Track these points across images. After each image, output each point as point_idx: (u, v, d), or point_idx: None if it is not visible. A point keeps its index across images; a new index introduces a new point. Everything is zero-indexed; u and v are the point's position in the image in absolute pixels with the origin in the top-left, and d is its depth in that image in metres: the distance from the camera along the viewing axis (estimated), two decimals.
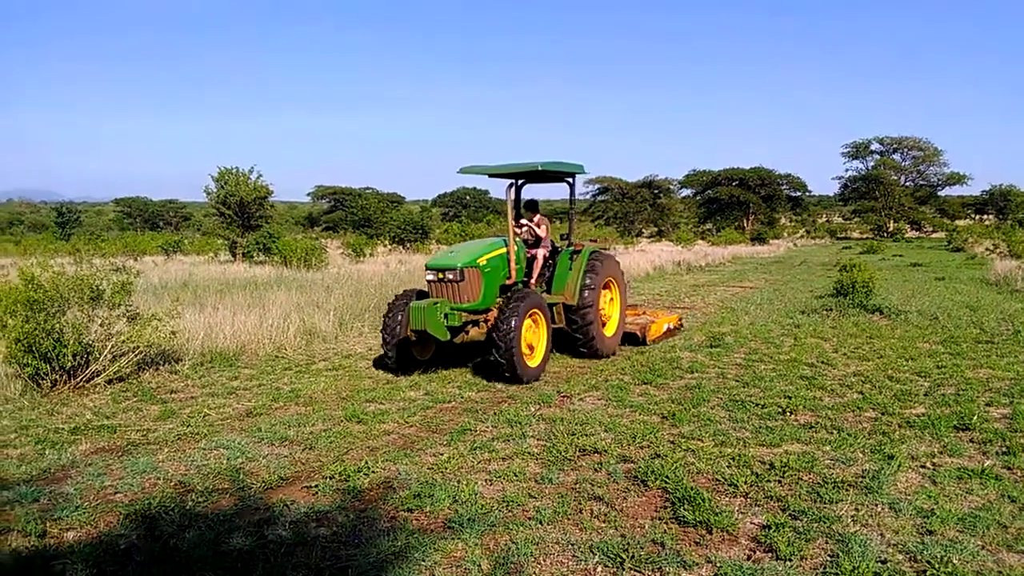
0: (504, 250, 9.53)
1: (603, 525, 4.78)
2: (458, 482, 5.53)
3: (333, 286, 16.94)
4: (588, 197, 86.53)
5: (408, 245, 43.70)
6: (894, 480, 5.43)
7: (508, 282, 9.55)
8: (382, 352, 9.57)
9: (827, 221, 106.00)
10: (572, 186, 10.86)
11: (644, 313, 12.70)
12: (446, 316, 8.78)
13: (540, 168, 9.51)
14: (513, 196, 10.55)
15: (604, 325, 10.69)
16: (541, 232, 10.61)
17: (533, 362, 9.10)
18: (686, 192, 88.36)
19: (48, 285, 8.27)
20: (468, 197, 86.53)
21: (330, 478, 5.66)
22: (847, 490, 5.24)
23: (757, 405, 7.58)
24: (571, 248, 10.62)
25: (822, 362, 9.72)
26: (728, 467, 5.75)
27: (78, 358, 8.37)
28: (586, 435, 6.64)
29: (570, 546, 4.48)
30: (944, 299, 16.85)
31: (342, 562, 4.32)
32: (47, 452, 6.41)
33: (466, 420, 7.30)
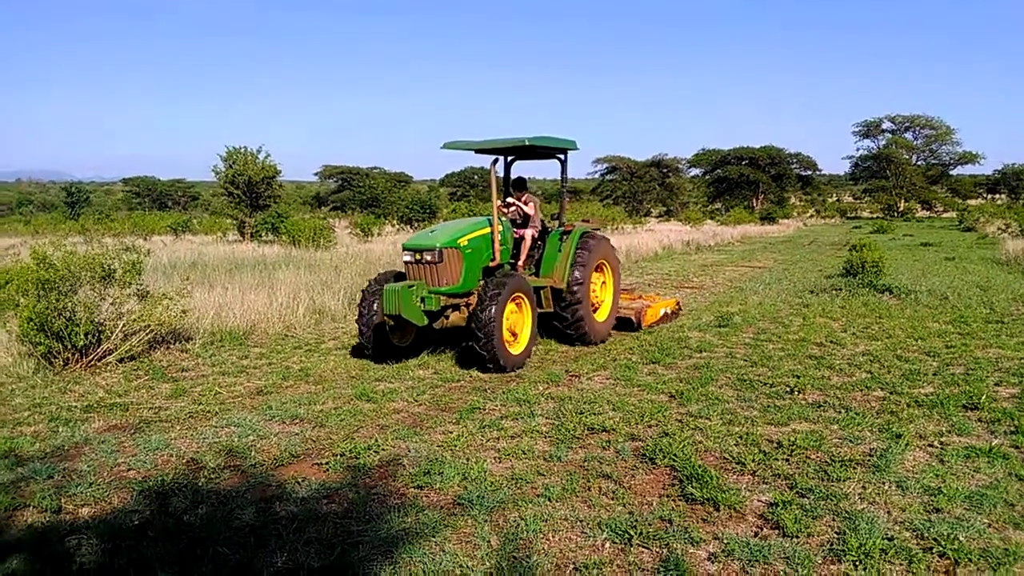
0: (488, 230, 9.07)
1: (611, 502, 4.81)
2: (467, 460, 5.57)
3: (342, 265, 16.97)
4: (596, 176, 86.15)
5: (416, 225, 43.70)
6: (902, 459, 5.44)
7: (492, 264, 9.08)
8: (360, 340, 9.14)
9: (837, 200, 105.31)
10: (564, 163, 10.29)
11: (640, 297, 12.26)
12: (423, 300, 8.33)
13: (527, 143, 8.93)
14: (502, 173, 10.37)
15: (596, 310, 10.25)
16: (529, 211, 10.12)
17: (516, 349, 8.68)
18: (695, 171, 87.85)
19: (60, 264, 8.32)
20: (476, 177, 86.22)
21: (340, 455, 5.71)
22: (855, 468, 5.25)
23: (765, 384, 7.59)
24: (561, 229, 10.13)
25: (831, 342, 9.71)
26: (736, 445, 5.78)
27: (90, 337, 8.44)
28: (594, 414, 6.67)
29: (578, 523, 4.52)
30: (954, 279, 16.77)
31: (353, 537, 4.37)
32: (60, 429, 6.49)
33: (475, 399, 7.34)
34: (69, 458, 5.79)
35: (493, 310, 8.12)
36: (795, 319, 11.56)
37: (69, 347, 8.32)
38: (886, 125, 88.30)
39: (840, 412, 6.61)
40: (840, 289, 14.75)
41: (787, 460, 5.46)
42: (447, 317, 8.76)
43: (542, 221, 10.38)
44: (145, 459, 5.72)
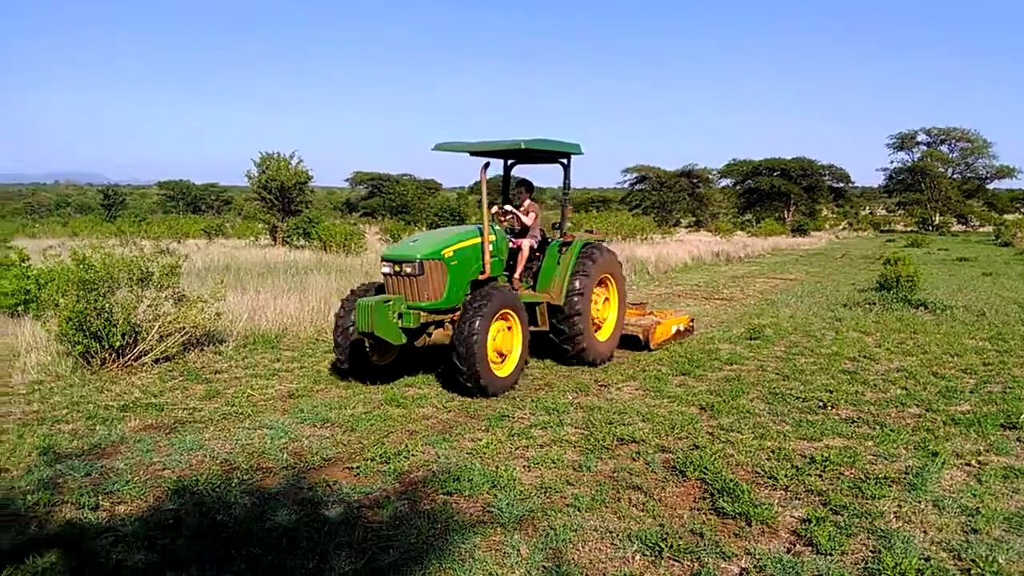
0: (478, 240, 8.24)
1: (641, 514, 4.79)
2: (496, 467, 5.58)
3: (372, 271, 17.10)
4: (625, 186, 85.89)
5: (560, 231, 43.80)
6: (938, 477, 5.35)
7: (482, 277, 8.25)
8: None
9: (870, 213, 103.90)
10: (566, 168, 9.48)
11: (651, 313, 11.39)
12: (400, 316, 7.61)
13: (523, 146, 8.22)
14: (498, 177, 9.79)
15: (598, 328, 9.54)
16: (528, 220, 9.28)
17: (503, 371, 7.93)
18: (725, 182, 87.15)
19: (99, 266, 8.48)
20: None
21: (371, 460, 5.75)
22: (890, 486, 5.18)
23: (797, 398, 7.51)
24: (560, 240, 9.35)
25: (864, 357, 9.59)
26: (768, 460, 5.72)
27: (127, 337, 8.58)
28: (624, 424, 6.64)
29: (608, 534, 4.51)
30: (992, 295, 16.46)
31: (383, 542, 4.40)
32: (98, 428, 6.61)
33: (504, 406, 7.35)
34: (106, 456, 5.89)
35: (477, 326, 7.43)
36: (828, 333, 11.43)
37: (106, 347, 8.47)
38: (921, 137, 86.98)
39: (874, 428, 6.52)
40: (874, 303, 14.55)
41: (820, 476, 5.40)
42: (429, 334, 8.03)
43: (542, 231, 9.64)
44: (180, 459, 5.81)
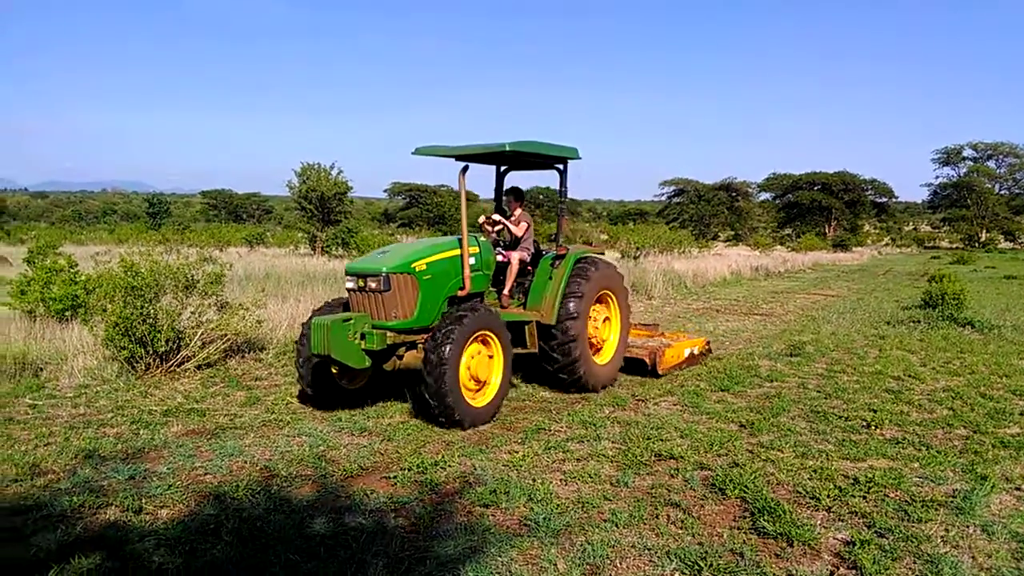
0: (456, 252, 7.56)
1: (680, 532, 4.73)
2: (533, 480, 5.56)
3: None
4: (663, 199, 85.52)
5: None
6: (987, 502, 5.20)
7: (461, 293, 7.54)
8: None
9: (914, 229, 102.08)
10: (563, 174, 8.60)
11: (661, 334, 10.75)
12: (363, 336, 6.87)
13: (508, 149, 7.42)
14: (489, 184, 9.21)
15: (597, 351, 8.81)
16: (518, 231, 8.56)
17: (480, 400, 7.20)
18: (765, 196, 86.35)
19: (146, 273, 8.66)
20: (542, 196, 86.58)
21: (408, 470, 5.77)
22: (937, 510, 5.04)
23: (840, 417, 7.37)
24: (554, 252, 8.56)
25: (909, 376, 9.37)
26: (810, 479, 5.61)
27: (170, 343, 8.74)
28: (662, 440, 6.58)
29: (647, 551, 4.45)
30: None
31: (420, 553, 4.40)
32: (141, 432, 6.73)
33: (540, 419, 7.32)
34: (149, 460, 6.00)
35: (447, 351, 6.67)
36: (870, 351, 11.21)
37: (151, 352, 8.63)
38: (967, 153, 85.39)
39: (920, 450, 6.37)
40: (918, 321, 14.24)
41: (864, 497, 5.28)
42: (400, 357, 7.23)
43: (536, 243, 8.89)
44: (221, 464, 5.89)
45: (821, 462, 6.01)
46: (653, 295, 19.71)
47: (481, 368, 7.20)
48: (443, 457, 6.04)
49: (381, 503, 5.14)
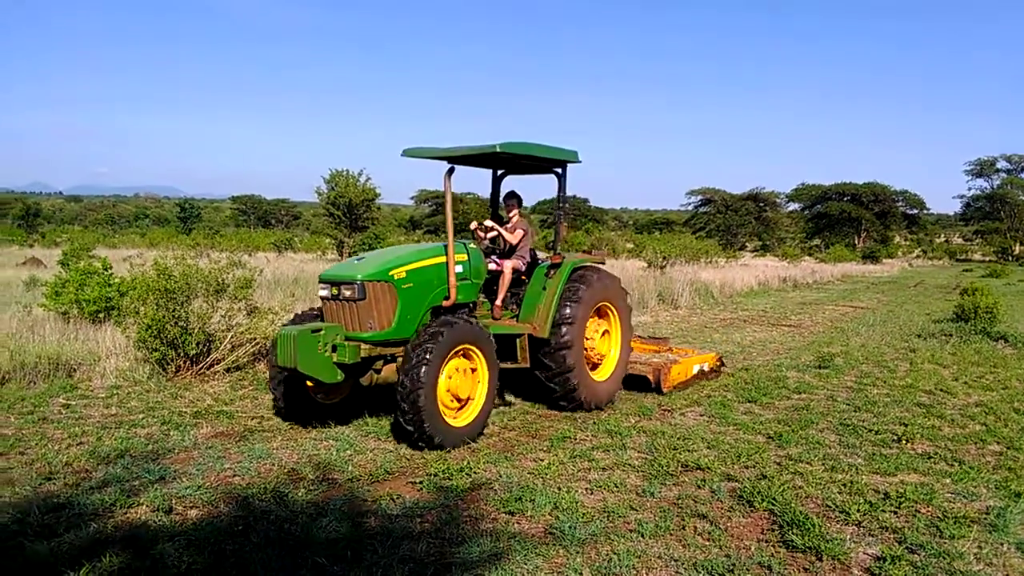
0: (441, 259, 7.09)
1: (707, 543, 4.69)
2: (558, 489, 5.55)
3: None
4: (690, 208, 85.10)
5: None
6: (1021, 519, 5.10)
7: (446, 303, 7.05)
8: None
9: (946, 241, 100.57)
10: (561, 179, 8.14)
11: (669, 350, 10.14)
12: (335, 348, 6.43)
13: (498, 151, 6.94)
14: (489, 190, 8.81)
15: (595, 367, 8.28)
16: (513, 239, 8.10)
17: (461, 420, 6.68)
18: (793, 206, 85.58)
19: (179, 276, 8.79)
20: (567, 204, 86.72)
21: (433, 475, 5.78)
22: (969, 526, 4.96)
23: (870, 431, 7.27)
24: (549, 261, 8.09)
25: (941, 390, 9.22)
26: (839, 493, 5.54)
27: (201, 346, 8.85)
28: (688, 450, 6.53)
29: (673, 562, 4.42)
30: None
31: (445, 559, 4.41)
32: (171, 433, 6.82)
33: (565, 427, 7.31)
34: (179, 461, 6.07)
35: (422, 374, 6.16)
36: (901, 364, 11.05)
37: (181, 355, 8.74)
38: (1001, 164, 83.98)
39: (952, 465, 6.26)
40: (950, 335, 14.01)
41: (895, 512, 5.20)
42: (377, 371, 6.86)
43: (533, 251, 8.42)
44: (249, 467, 5.95)
45: (851, 476, 5.94)
46: (680, 305, 19.59)
47: (463, 385, 6.68)
48: (468, 463, 6.05)
49: (406, 508, 5.16)
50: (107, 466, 5.88)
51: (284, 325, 7.00)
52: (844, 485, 5.70)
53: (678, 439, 6.89)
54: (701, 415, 7.90)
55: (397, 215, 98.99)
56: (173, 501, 5.18)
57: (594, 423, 7.48)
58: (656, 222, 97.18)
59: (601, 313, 8.37)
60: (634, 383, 8.90)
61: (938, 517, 5.12)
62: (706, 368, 9.69)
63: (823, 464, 6.23)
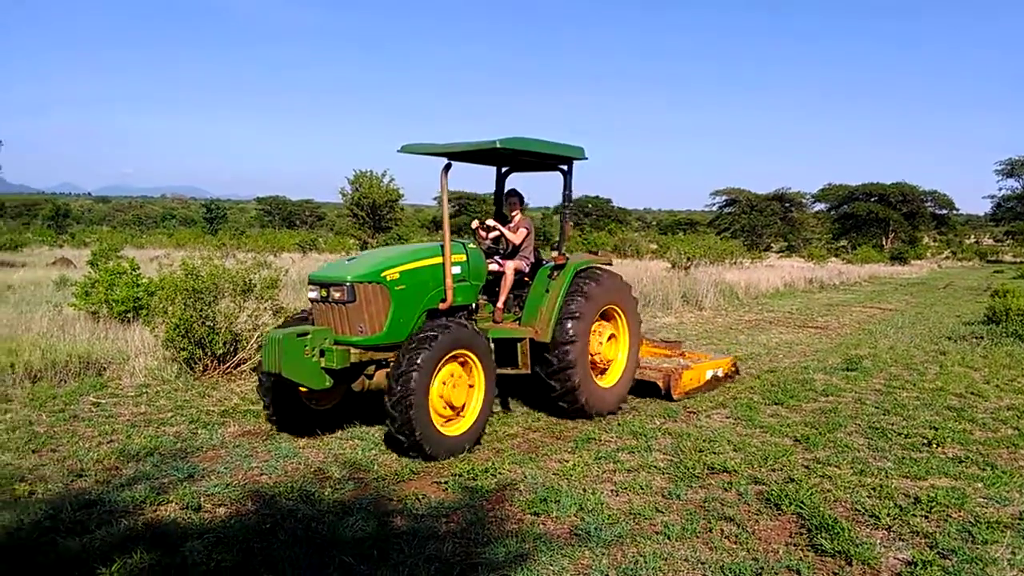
0: (437, 260, 6.82)
1: (734, 546, 4.66)
2: (583, 490, 5.53)
3: None
4: (714, 209, 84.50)
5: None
6: None
7: (442, 306, 6.78)
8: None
9: (976, 242, 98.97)
10: (567, 176, 7.91)
11: (682, 355, 9.77)
12: (323, 353, 6.17)
13: (499, 147, 6.74)
14: (491, 188, 8.59)
15: (602, 372, 7.97)
16: (516, 239, 7.80)
17: (455, 428, 6.40)
18: (819, 206, 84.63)
19: (206, 276, 8.89)
20: (590, 205, 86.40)
21: (458, 476, 5.79)
22: (1003, 531, 4.87)
23: (899, 434, 7.17)
24: (552, 262, 7.81)
25: (972, 393, 9.08)
26: (869, 497, 5.47)
27: (228, 345, 8.95)
28: (714, 453, 6.48)
29: (700, 565, 4.39)
30: None
31: (471, 559, 4.41)
32: (200, 432, 6.90)
33: (590, 428, 7.29)
34: (207, 459, 6.14)
35: (413, 381, 5.89)
36: (931, 367, 10.88)
37: (209, 354, 8.84)
38: None
39: (984, 469, 6.16)
40: (981, 337, 13.78)
41: (926, 517, 5.12)
42: (369, 376, 6.60)
43: (537, 251, 8.17)
44: (276, 465, 6.00)
45: (880, 480, 5.86)
46: (704, 306, 19.47)
47: (457, 392, 6.37)
48: (493, 464, 6.05)
49: (432, 508, 5.17)
50: (136, 464, 5.96)
51: (275, 328, 6.84)
52: (873, 489, 5.63)
53: (704, 441, 6.85)
54: (727, 417, 7.84)
55: (420, 215, 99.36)
56: (201, 499, 5.24)
57: (619, 424, 7.46)
58: (680, 223, 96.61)
59: (608, 316, 8.07)
60: (644, 389, 8.63)
61: (970, 522, 5.04)
62: (720, 373, 9.38)
63: (852, 468, 6.15)
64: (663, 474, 5.97)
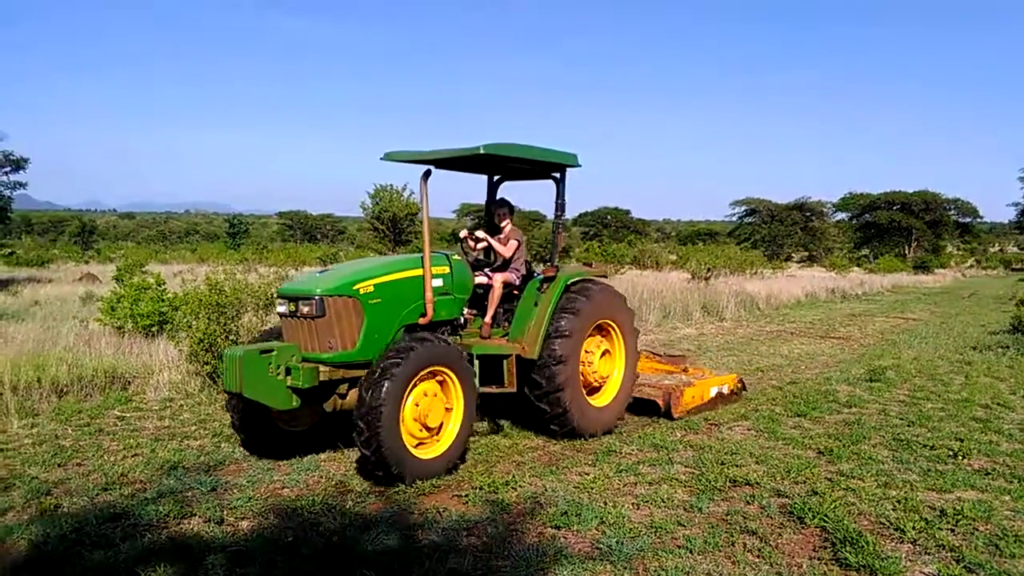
0: (417, 272, 6.49)
1: (757, 560, 4.62)
2: (604, 503, 5.51)
3: None
4: (734, 219, 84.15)
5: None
6: None
7: (422, 321, 6.47)
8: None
9: (1000, 250, 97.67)
10: (559, 184, 7.62)
11: (684, 371, 9.34)
12: (289, 371, 5.85)
13: (483, 153, 6.47)
14: (483, 196, 8.28)
15: (595, 390, 7.63)
16: (505, 251, 7.48)
17: (430, 451, 6.01)
18: (841, 215, 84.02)
19: (229, 291, 8.99)
20: (609, 217, 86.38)
21: (479, 489, 5.80)
22: None
23: (924, 446, 7.08)
24: (542, 274, 7.44)
25: (998, 404, 8.95)
26: (893, 510, 5.41)
27: None
28: (736, 465, 6.44)
29: None
30: None
31: (492, 572, 4.41)
32: (223, 445, 6.96)
33: (611, 441, 7.27)
34: (230, 473, 6.19)
35: (385, 391, 5.53)
36: (956, 377, 10.75)
37: None
38: None
39: (1012, 482, 6.06)
40: (1007, 347, 13.60)
41: (952, 530, 5.06)
42: (342, 395, 6.30)
43: (527, 263, 7.79)
44: (298, 479, 6.04)
45: (905, 492, 5.79)
46: (725, 317, 19.37)
47: (433, 412, 5.97)
48: (514, 477, 6.06)
49: (453, 521, 5.18)
50: (161, 477, 6.03)
51: (242, 344, 6.46)
52: (898, 502, 5.56)
53: (726, 454, 6.80)
54: (749, 429, 7.79)
55: (439, 228, 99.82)
56: (224, 512, 5.28)
57: (639, 437, 7.43)
58: (699, 233, 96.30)
59: (602, 331, 7.67)
60: (643, 408, 8.31)
61: (997, 535, 4.96)
62: (725, 390, 8.95)
63: (876, 480, 6.09)
64: (685, 487, 5.94)
